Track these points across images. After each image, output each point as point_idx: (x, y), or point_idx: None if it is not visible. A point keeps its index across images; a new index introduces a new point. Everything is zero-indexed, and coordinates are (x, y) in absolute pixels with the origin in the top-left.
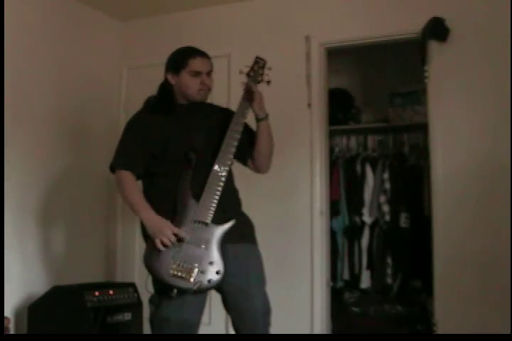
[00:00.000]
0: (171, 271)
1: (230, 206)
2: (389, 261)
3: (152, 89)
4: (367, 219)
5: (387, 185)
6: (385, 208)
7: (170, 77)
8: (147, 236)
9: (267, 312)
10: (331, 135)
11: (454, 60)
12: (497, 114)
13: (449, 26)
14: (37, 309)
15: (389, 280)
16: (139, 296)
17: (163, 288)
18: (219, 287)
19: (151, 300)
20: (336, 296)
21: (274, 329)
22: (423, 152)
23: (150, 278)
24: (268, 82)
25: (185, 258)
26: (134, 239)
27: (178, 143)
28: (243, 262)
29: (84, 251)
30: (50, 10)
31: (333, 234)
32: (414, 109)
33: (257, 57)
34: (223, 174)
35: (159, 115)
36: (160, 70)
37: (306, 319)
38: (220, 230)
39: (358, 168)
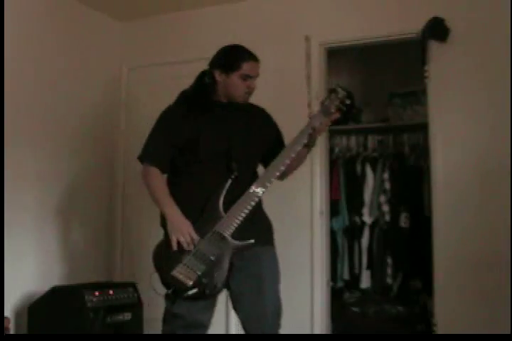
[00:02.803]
0: (172, 271)
1: (257, 228)
2: (389, 261)
3: (152, 89)
4: (367, 219)
5: (387, 185)
6: (385, 208)
7: (217, 75)
8: (166, 227)
9: (277, 314)
10: (331, 135)
11: (454, 60)
12: (497, 114)
13: (449, 26)
14: (37, 309)
15: (389, 280)
16: (139, 296)
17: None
18: (229, 287)
19: (167, 296)
20: (336, 296)
21: None
22: (423, 152)
23: (154, 275)
24: (340, 112)
25: (191, 263)
26: (134, 239)
27: (210, 145)
28: (260, 264)
29: (84, 251)
30: (50, 10)
31: (333, 234)
32: (414, 109)
33: (339, 87)
34: (259, 195)
35: (194, 111)
36: (160, 70)
37: (306, 319)
38: (234, 246)
39: (358, 168)
